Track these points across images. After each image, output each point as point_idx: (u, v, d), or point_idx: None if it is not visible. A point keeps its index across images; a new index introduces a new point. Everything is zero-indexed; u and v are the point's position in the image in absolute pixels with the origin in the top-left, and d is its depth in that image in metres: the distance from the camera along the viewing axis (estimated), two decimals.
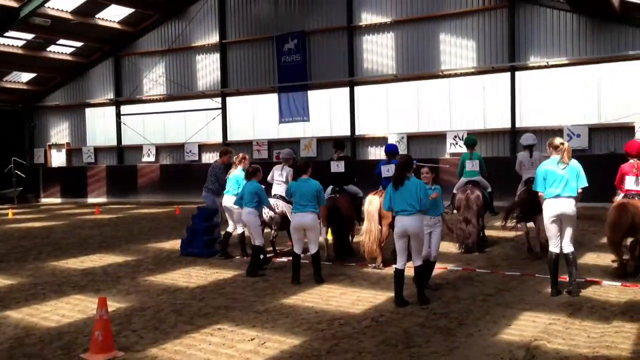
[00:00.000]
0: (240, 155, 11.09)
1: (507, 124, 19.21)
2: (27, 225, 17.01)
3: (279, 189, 10.57)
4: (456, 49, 19.91)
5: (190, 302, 7.64)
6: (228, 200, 10.61)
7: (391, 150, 10.10)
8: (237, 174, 10.76)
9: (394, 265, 7.36)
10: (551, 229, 7.29)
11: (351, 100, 21.75)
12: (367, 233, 9.24)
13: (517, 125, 19.02)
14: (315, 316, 6.77)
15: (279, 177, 10.68)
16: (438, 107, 20.41)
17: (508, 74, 19.12)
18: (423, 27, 20.39)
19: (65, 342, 6.10)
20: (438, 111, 20.42)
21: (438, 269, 8.81)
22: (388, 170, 9.53)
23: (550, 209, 7.25)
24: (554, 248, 7.30)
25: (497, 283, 7.95)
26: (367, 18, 21.31)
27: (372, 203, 9.37)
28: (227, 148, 12.01)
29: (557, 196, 7.21)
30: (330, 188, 10.49)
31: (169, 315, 7.01)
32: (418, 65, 20.51)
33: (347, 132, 21.79)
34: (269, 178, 10.76)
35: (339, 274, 9.08)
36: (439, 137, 20.25)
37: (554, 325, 6.14)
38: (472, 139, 11.64)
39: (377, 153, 21.23)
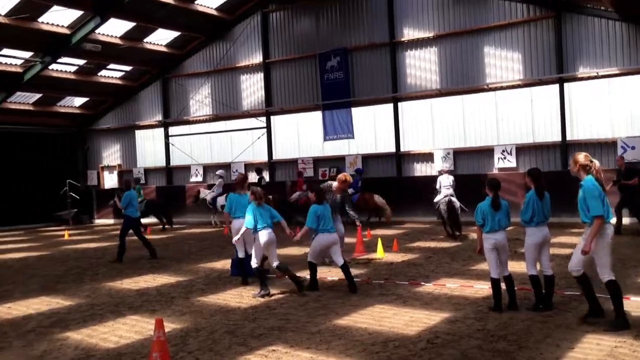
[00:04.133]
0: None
1: (557, 137, 18.79)
2: (82, 246, 17.47)
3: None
4: (501, 61, 19.66)
5: (243, 322, 7.68)
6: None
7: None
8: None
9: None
10: (609, 255, 6.75)
11: (395, 116, 21.68)
12: None
13: (568, 138, 18.60)
14: (369, 337, 6.71)
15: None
16: (484, 121, 20.15)
17: (556, 86, 18.75)
18: (466, 40, 20.22)
19: None
20: (484, 125, 20.16)
21: (490, 288, 8.64)
22: None
23: (609, 234, 6.72)
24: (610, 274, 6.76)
25: (556, 303, 7.72)
26: (409, 33, 21.27)
27: None
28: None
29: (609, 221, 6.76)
30: None
31: (223, 337, 7.05)
32: (462, 79, 20.33)
33: (392, 149, 21.70)
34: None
35: (390, 293, 8.99)
36: (486, 152, 19.95)
37: (620, 349, 5.91)
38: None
39: (422, 169, 21.07)
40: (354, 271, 11.09)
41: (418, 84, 21.25)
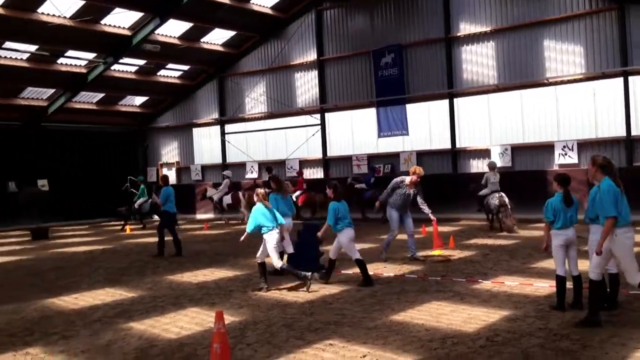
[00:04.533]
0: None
1: (622, 132, 18.14)
2: (143, 241, 17.99)
3: None
4: (562, 55, 19.12)
5: (300, 316, 7.76)
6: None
7: None
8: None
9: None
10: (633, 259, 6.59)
11: (451, 112, 21.40)
12: None
13: (633, 133, 17.92)
14: (427, 334, 6.66)
15: None
16: (544, 117, 19.65)
17: (620, 79, 18.10)
18: (525, 34, 19.75)
19: (185, 354, 6.37)
20: (544, 120, 19.65)
21: (551, 287, 8.45)
22: None
23: (632, 237, 6.58)
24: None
25: (621, 302, 7.47)
26: (466, 28, 20.94)
27: None
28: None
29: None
30: None
31: (280, 330, 7.14)
32: (521, 74, 19.87)
33: (448, 145, 21.43)
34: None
35: (447, 290, 8.90)
36: (546, 148, 19.44)
37: None
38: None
39: (479, 166, 20.71)
40: (409, 267, 11.06)
41: (475, 80, 20.90)
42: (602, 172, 6.74)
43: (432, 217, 11.84)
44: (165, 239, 14.16)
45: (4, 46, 21.49)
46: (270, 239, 9.48)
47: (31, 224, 21.23)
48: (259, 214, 9.55)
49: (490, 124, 20.77)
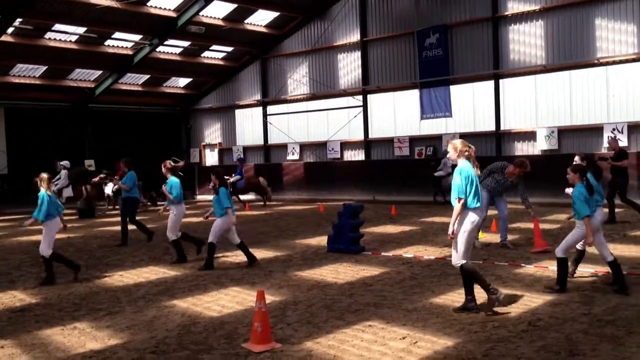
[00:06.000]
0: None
1: None
2: (187, 221, 18.27)
3: None
4: (614, 34, 18.44)
5: (339, 297, 7.78)
6: None
7: None
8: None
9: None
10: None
11: (496, 93, 20.96)
12: None
13: None
14: (467, 317, 6.60)
15: None
16: (593, 98, 19.06)
17: None
18: (576, 12, 19.11)
19: (227, 332, 6.48)
20: (593, 102, 19.06)
21: (599, 271, 8.24)
22: None
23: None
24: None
25: None
26: (514, 7, 20.39)
27: None
28: None
29: None
30: None
31: (320, 310, 7.19)
32: (570, 54, 19.28)
33: (492, 127, 21.04)
34: None
35: (489, 274, 8.77)
36: (595, 130, 18.89)
37: None
38: None
39: (524, 149, 20.28)
40: (449, 250, 10.89)
41: (522, 60, 20.39)
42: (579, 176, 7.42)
43: (531, 213, 10.97)
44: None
45: (53, 28, 22.00)
46: (53, 226, 9.51)
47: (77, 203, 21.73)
48: (49, 202, 9.39)
49: (536, 105, 20.27)
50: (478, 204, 6.78)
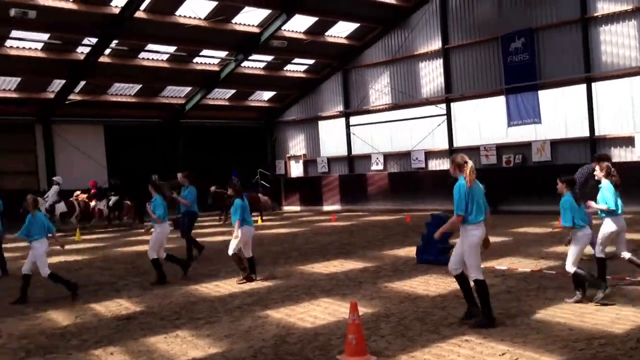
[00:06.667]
0: None
1: None
2: (274, 232, 18.67)
3: None
4: None
5: (432, 310, 7.69)
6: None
7: None
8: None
9: None
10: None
11: (588, 97, 20.10)
12: None
13: None
14: (570, 334, 6.34)
15: None
16: None
17: None
18: None
19: (321, 343, 6.54)
20: None
21: None
22: None
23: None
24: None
25: None
26: (604, 7, 19.55)
27: None
28: None
29: None
30: None
31: (413, 323, 7.12)
32: None
33: (585, 133, 20.17)
34: None
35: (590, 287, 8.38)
36: None
37: None
38: None
39: (621, 155, 19.31)
40: (546, 262, 10.54)
41: (615, 62, 19.48)
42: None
43: None
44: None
45: (146, 48, 23.13)
46: (38, 246, 9.51)
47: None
48: (29, 223, 9.49)
49: (633, 108, 19.26)
50: (480, 218, 6.84)
